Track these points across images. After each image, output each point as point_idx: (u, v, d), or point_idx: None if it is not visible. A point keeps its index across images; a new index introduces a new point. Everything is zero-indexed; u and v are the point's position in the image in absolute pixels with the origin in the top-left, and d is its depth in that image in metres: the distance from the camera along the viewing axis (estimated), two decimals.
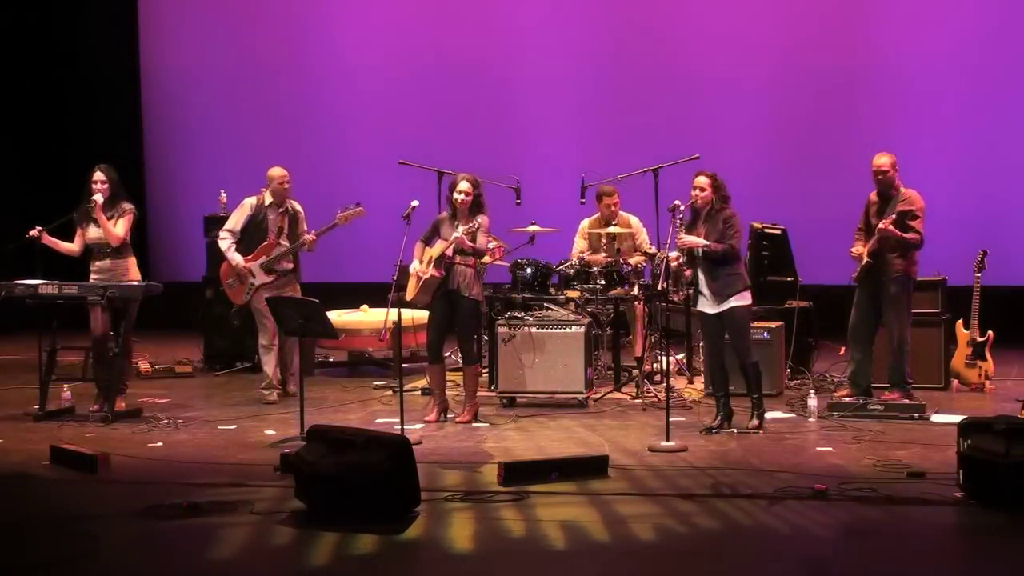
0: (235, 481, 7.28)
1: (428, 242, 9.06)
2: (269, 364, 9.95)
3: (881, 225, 9.12)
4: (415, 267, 8.98)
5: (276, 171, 10.04)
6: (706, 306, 8.63)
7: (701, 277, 8.60)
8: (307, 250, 10.03)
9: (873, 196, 9.46)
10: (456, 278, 8.94)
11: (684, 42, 13.34)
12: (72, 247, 9.50)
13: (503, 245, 10.41)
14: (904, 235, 9.15)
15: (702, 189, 8.60)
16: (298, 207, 10.09)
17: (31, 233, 9.27)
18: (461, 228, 8.82)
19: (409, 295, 9.01)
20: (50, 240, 9.38)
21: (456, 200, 8.94)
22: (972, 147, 12.70)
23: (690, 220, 8.69)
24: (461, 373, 9.35)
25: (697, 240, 8.53)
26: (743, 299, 8.61)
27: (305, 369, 10.13)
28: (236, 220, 10.02)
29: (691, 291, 8.73)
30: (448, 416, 9.11)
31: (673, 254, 8.72)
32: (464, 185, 8.95)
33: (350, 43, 14.26)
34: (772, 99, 13.08)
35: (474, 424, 8.98)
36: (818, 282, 10.87)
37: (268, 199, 10.00)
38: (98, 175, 9.36)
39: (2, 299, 9.27)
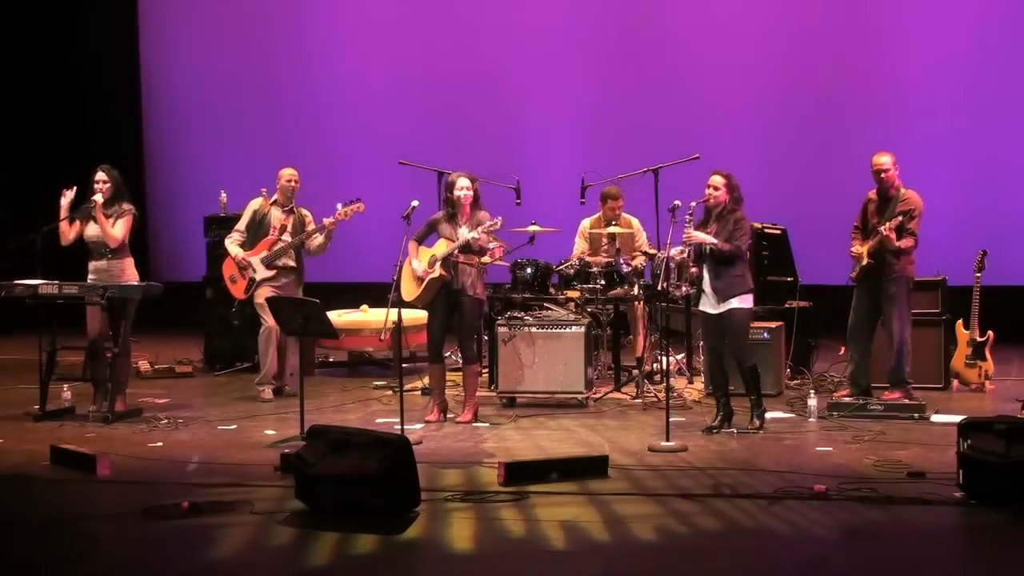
0: (235, 481, 7.28)
1: (422, 241, 9.07)
2: (266, 361, 9.96)
3: (883, 230, 9.08)
4: (417, 266, 8.98)
5: (286, 170, 10.19)
6: (707, 305, 8.61)
7: (705, 276, 8.58)
8: (316, 247, 10.03)
9: (872, 195, 9.44)
10: (460, 277, 8.95)
11: (684, 42, 13.35)
12: (67, 233, 9.40)
13: (503, 245, 10.40)
14: (899, 244, 9.12)
15: (716, 188, 8.55)
16: (306, 212, 10.16)
17: (65, 192, 9.31)
18: (466, 229, 8.82)
19: (409, 295, 9.01)
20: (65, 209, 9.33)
21: (459, 197, 8.94)
22: (972, 147, 12.70)
23: (702, 219, 8.67)
24: (461, 373, 9.36)
25: (705, 237, 8.48)
26: (744, 301, 8.58)
27: (305, 369, 10.14)
28: (242, 221, 10.22)
29: (694, 289, 8.69)
30: (448, 416, 9.11)
31: (676, 249, 8.66)
32: (464, 182, 8.96)
33: (350, 44, 14.27)
34: (772, 99, 13.09)
35: (474, 424, 8.98)
36: (818, 282, 10.86)
37: (272, 199, 10.12)
38: (100, 175, 9.36)
39: (2, 299, 9.26)
